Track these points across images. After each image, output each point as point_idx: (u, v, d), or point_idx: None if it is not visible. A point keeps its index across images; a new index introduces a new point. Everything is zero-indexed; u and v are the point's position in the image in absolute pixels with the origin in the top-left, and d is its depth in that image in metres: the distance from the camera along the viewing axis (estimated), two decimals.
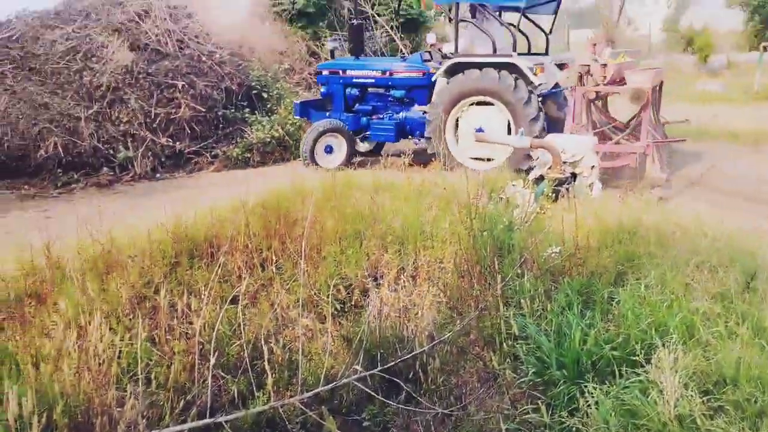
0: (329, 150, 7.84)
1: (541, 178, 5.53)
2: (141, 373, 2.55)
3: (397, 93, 8.08)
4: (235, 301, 3.37)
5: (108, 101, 8.06)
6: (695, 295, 2.92)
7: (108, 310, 3.18)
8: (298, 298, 3.61)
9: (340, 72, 8.26)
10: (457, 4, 7.44)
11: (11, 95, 7.71)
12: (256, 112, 9.04)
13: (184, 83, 8.49)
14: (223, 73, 9.02)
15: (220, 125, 8.81)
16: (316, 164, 7.61)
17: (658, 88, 7.37)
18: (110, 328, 2.95)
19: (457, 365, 3.20)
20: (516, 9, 7.44)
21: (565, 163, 5.47)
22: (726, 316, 2.73)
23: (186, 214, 4.29)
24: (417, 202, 4.70)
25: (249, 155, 8.53)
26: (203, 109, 8.53)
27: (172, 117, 8.36)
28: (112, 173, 7.84)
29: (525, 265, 3.64)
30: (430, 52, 8.33)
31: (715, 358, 2.45)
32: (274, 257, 4.01)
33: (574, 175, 5.53)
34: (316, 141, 7.67)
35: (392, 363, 2.99)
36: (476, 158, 7.22)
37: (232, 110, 8.93)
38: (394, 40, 12.06)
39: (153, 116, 8.23)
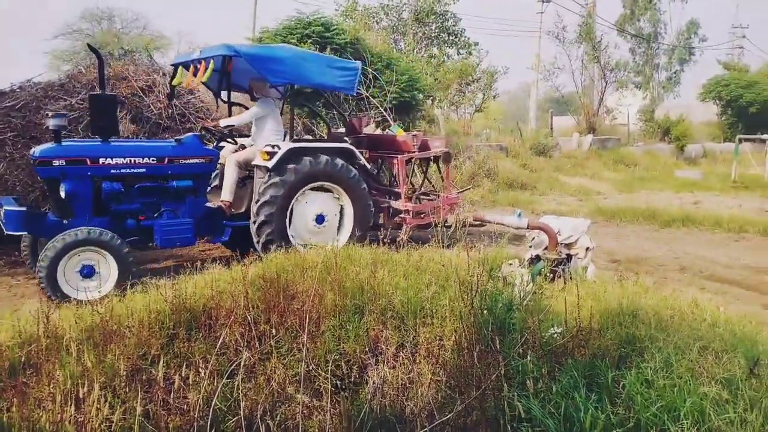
0: (88, 272, 5.56)
1: (537, 258, 5.61)
2: None
3: (182, 184, 6.45)
4: (231, 375, 3.31)
5: None
6: (701, 380, 2.92)
7: (104, 382, 3.08)
8: (295, 373, 3.54)
9: (88, 161, 5.91)
10: (293, 86, 7.29)
11: (9, 162, 7.78)
12: None
13: None
14: None
15: None
16: (65, 296, 5.30)
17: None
18: (106, 401, 2.86)
19: None
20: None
21: (560, 244, 5.57)
22: (734, 402, 2.72)
23: (185, 285, 4.26)
24: (416, 278, 4.71)
25: None
26: None
27: None
28: None
29: (526, 345, 3.62)
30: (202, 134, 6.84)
31: None
32: (273, 331, 3.95)
33: (569, 257, 5.61)
34: (58, 262, 5.36)
35: None
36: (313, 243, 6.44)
37: None
38: (387, 120, 12.45)
39: None
